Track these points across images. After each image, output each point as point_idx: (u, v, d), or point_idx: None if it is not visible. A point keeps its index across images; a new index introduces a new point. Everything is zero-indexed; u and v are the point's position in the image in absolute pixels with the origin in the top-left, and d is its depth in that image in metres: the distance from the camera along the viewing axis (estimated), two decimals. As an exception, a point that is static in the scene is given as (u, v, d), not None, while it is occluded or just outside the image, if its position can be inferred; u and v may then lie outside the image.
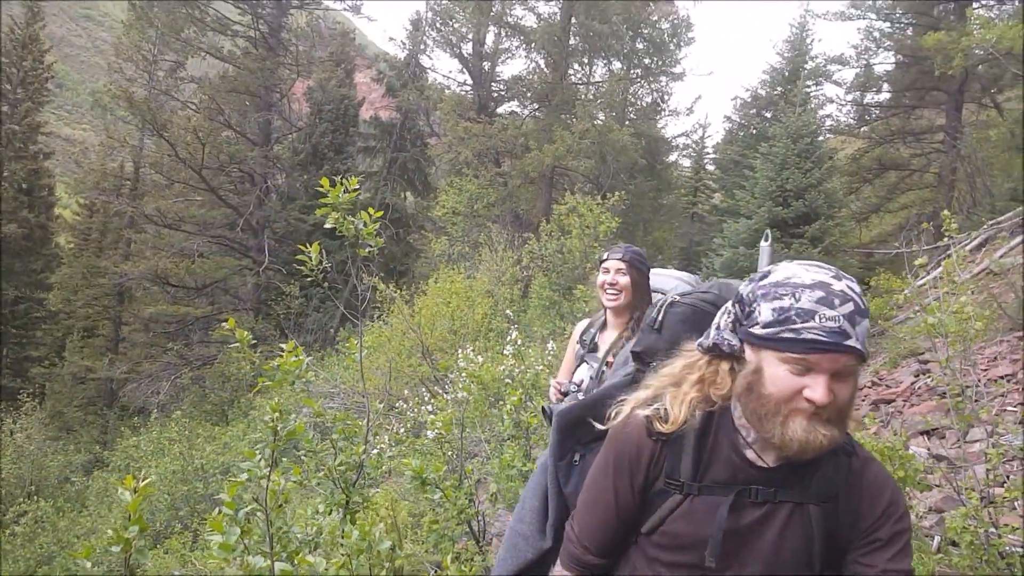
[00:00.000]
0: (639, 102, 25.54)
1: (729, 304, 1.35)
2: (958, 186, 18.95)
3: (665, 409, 1.37)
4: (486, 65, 24.78)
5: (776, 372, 1.21)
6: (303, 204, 22.27)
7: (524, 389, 5.08)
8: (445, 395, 6.79)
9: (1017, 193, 14.02)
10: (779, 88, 21.90)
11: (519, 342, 6.49)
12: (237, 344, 3.10)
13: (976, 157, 18.01)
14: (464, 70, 25.22)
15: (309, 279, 3.21)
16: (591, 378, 2.67)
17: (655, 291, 2.72)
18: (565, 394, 2.68)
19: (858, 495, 1.29)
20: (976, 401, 7.79)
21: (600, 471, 1.44)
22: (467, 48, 24.73)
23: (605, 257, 2.72)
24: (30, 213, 24.21)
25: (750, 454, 1.31)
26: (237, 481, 2.43)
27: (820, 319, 1.16)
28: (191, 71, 24.98)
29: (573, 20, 21.87)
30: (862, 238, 20.43)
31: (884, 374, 10.11)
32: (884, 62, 21.25)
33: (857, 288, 1.21)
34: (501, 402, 5.21)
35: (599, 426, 1.52)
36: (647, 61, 23.96)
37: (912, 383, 8.68)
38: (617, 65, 24.11)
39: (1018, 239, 11.92)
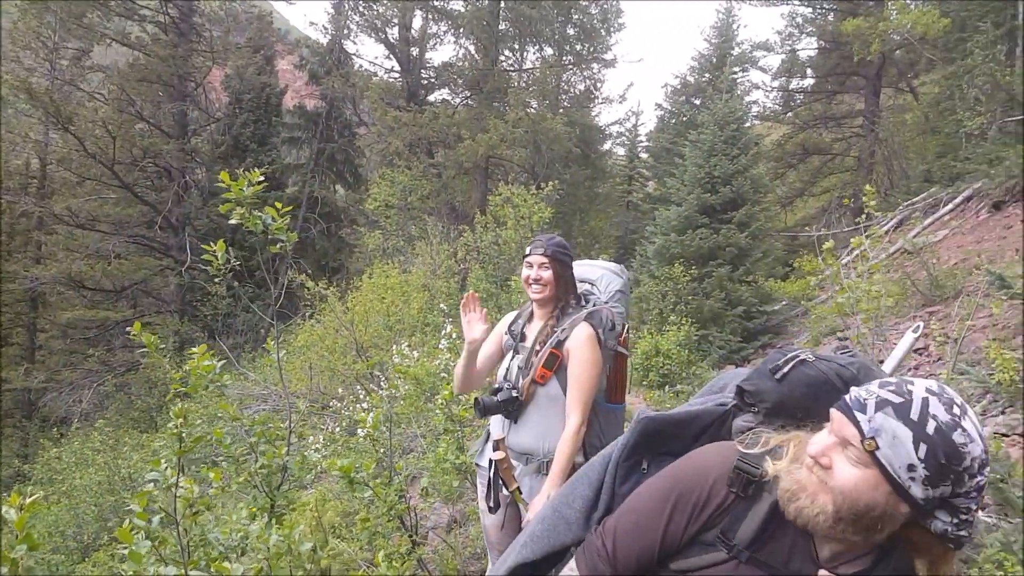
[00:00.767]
0: (572, 89, 25.67)
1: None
2: (876, 169, 19.72)
3: (774, 470, 1.27)
4: (414, 51, 24.43)
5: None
6: (226, 199, 21.16)
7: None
8: (380, 392, 6.66)
9: (931, 175, 14.63)
10: (707, 75, 22.36)
11: (453, 336, 6.42)
12: (160, 350, 3.00)
13: (893, 140, 18.81)
14: (391, 56, 24.82)
15: (234, 277, 3.09)
16: (519, 367, 2.70)
17: (581, 281, 2.84)
18: (497, 389, 2.68)
19: None
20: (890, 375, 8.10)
21: (660, 496, 1.35)
22: (393, 33, 24.30)
23: (528, 252, 2.74)
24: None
25: (814, 548, 1.24)
26: (144, 491, 2.36)
27: None
28: (98, 59, 23.60)
29: (502, 4, 21.80)
30: (787, 222, 21.08)
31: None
32: (807, 48, 21.87)
33: None
34: (437, 396, 5.15)
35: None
36: (578, 47, 24.05)
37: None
38: (549, 51, 24.20)
39: (930, 219, 12.49)
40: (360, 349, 8.94)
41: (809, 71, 22.57)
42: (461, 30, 22.51)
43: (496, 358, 2.90)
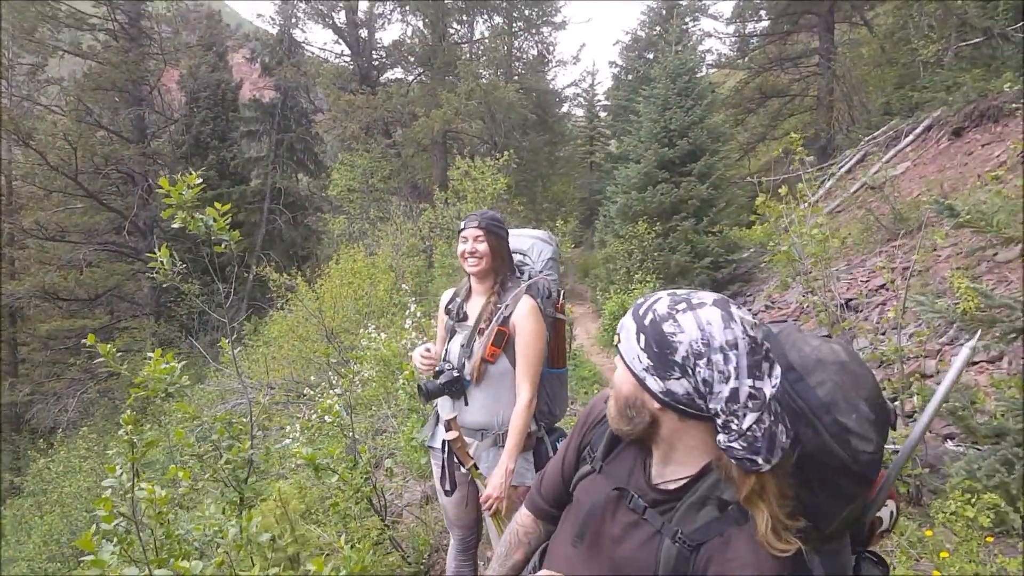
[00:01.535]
0: (525, 55, 25.49)
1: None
2: (836, 106, 19.72)
3: None
4: (363, 33, 24.11)
5: None
6: (167, 204, 21.04)
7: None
8: (348, 378, 6.74)
9: (890, 107, 14.67)
10: (657, 28, 22.20)
11: (419, 315, 6.49)
12: (136, 354, 3.06)
13: (850, 76, 18.73)
14: (340, 40, 24.52)
15: (204, 273, 3.16)
16: (462, 346, 2.69)
17: (514, 252, 2.81)
18: (439, 372, 2.68)
19: (719, 564, 1.15)
20: (858, 312, 8.27)
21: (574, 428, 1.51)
22: (340, 17, 24.00)
23: (463, 227, 2.73)
24: None
25: (651, 465, 1.29)
26: (104, 498, 2.40)
27: None
28: (53, 72, 23.37)
29: (448, -23, 21.49)
30: (751, 167, 21.03)
31: (776, 297, 10.68)
32: (761, -11, 21.56)
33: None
34: (400, 377, 5.21)
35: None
36: (528, 13, 23.84)
37: (801, 304, 9.22)
38: (498, 20, 23.92)
39: (891, 152, 12.58)
40: (330, 335, 9.00)
41: (763, 13, 22.39)
42: (408, 7, 22.19)
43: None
